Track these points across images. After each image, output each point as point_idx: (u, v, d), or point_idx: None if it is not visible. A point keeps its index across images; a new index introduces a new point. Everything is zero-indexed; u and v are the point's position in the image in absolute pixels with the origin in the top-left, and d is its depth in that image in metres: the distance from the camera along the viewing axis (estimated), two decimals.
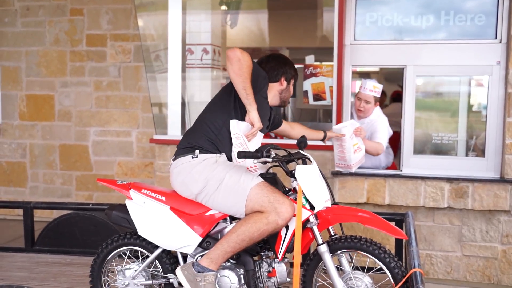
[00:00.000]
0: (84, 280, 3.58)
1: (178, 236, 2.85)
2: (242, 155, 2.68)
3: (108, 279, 3.13)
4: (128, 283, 2.98)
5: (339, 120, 4.78)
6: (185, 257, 2.96)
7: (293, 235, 2.71)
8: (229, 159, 2.89)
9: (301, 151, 2.86)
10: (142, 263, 3.00)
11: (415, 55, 4.69)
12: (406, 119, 4.72)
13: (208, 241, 2.87)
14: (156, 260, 3.00)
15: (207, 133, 2.90)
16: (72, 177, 6.45)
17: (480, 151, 4.79)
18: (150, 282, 2.99)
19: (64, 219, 4.56)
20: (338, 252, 2.79)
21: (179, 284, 2.86)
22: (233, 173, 2.78)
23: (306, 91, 5.34)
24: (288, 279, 2.85)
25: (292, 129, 3.60)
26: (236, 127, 2.85)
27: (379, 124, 4.50)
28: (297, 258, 2.65)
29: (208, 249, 2.83)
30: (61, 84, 6.41)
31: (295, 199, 2.73)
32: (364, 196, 4.63)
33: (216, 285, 2.77)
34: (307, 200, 2.72)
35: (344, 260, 2.81)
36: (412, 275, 2.62)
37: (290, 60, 3.21)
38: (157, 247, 2.95)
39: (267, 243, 2.86)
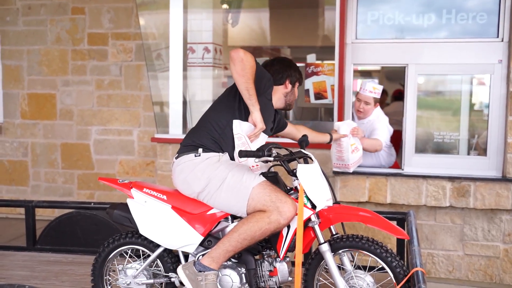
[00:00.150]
0: (86, 279, 3.59)
1: (180, 235, 2.85)
2: (243, 154, 2.68)
3: (109, 278, 3.14)
4: (130, 282, 2.99)
5: (340, 119, 4.77)
6: (186, 256, 2.97)
7: (294, 234, 2.71)
8: (232, 158, 2.89)
9: (302, 150, 2.86)
10: (144, 262, 3.00)
11: (416, 54, 4.69)
12: (408, 117, 4.72)
13: (209, 240, 2.87)
14: (158, 259, 3.00)
15: (210, 132, 2.90)
16: (74, 176, 6.45)
17: (482, 150, 4.79)
18: (151, 281, 3.00)
19: (66, 218, 4.57)
20: (340, 251, 2.79)
21: (181, 283, 2.87)
22: (236, 172, 2.78)
23: (307, 90, 5.34)
24: (290, 278, 2.85)
25: (298, 131, 3.59)
26: (239, 127, 2.85)
27: (378, 122, 4.50)
28: (299, 257, 2.65)
29: (209, 248, 2.84)
30: (63, 83, 6.41)
31: (297, 198, 2.73)
32: (366, 195, 4.63)
33: (217, 284, 2.77)
34: (308, 199, 2.72)
35: (346, 259, 2.81)
36: (414, 274, 2.62)
37: (294, 63, 3.22)
38: (158, 246, 2.96)
39: (268, 242, 2.86)
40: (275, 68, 3.12)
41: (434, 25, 4.72)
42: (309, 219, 2.73)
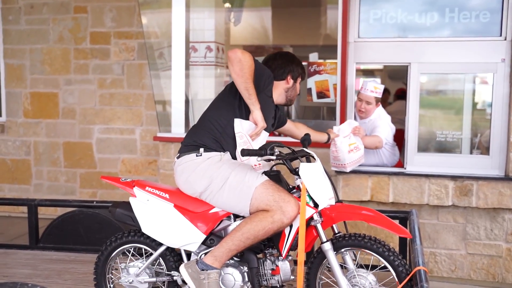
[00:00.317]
0: (88, 277, 3.60)
1: (182, 234, 2.85)
2: (246, 152, 2.68)
3: (112, 277, 3.14)
4: (132, 281, 2.99)
5: (342, 118, 4.76)
6: (189, 254, 2.97)
7: (297, 233, 2.71)
8: (233, 157, 2.89)
9: (305, 149, 2.85)
10: (146, 261, 3.00)
11: (419, 53, 4.68)
12: (410, 116, 4.71)
13: (211, 238, 2.87)
14: (160, 258, 3.00)
15: (211, 131, 2.89)
16: (76, 174, 6.46)
17: (484, 149, 4.78)
18: (154, 279, 3.00)
19: (68, 216, 4.57)
20: (342, 250, 2.79)
21: (183, 281, 2.87)
22: (238, 172, 2.77)
23: (310, 89, 5.33)
24: (292, 277, 2.85)
25: (297, 129, 3.59)
26: (240, 126, 2.84)
27: (379, 120, 4.49)
28: (301, 256, 2.65)
29: (212, 247, 2.83)
30: (65, 82, 6.42)
31: (299, 197, 2.72)
32: (368, 194, 4.62)
33: (220, 282, 2.77)
34: (311, 198, 2.71)
35: (348, 258, 2.80)
36: (416, 273, 2.62)
37: (297, 58, 3.19)
38: (161, 244, 2.96)
39: (271, 241, 2.85)
40: (277, 63, 3.10)
41: (437, 24, 4.71)
42: (311, 218, 2.72)
